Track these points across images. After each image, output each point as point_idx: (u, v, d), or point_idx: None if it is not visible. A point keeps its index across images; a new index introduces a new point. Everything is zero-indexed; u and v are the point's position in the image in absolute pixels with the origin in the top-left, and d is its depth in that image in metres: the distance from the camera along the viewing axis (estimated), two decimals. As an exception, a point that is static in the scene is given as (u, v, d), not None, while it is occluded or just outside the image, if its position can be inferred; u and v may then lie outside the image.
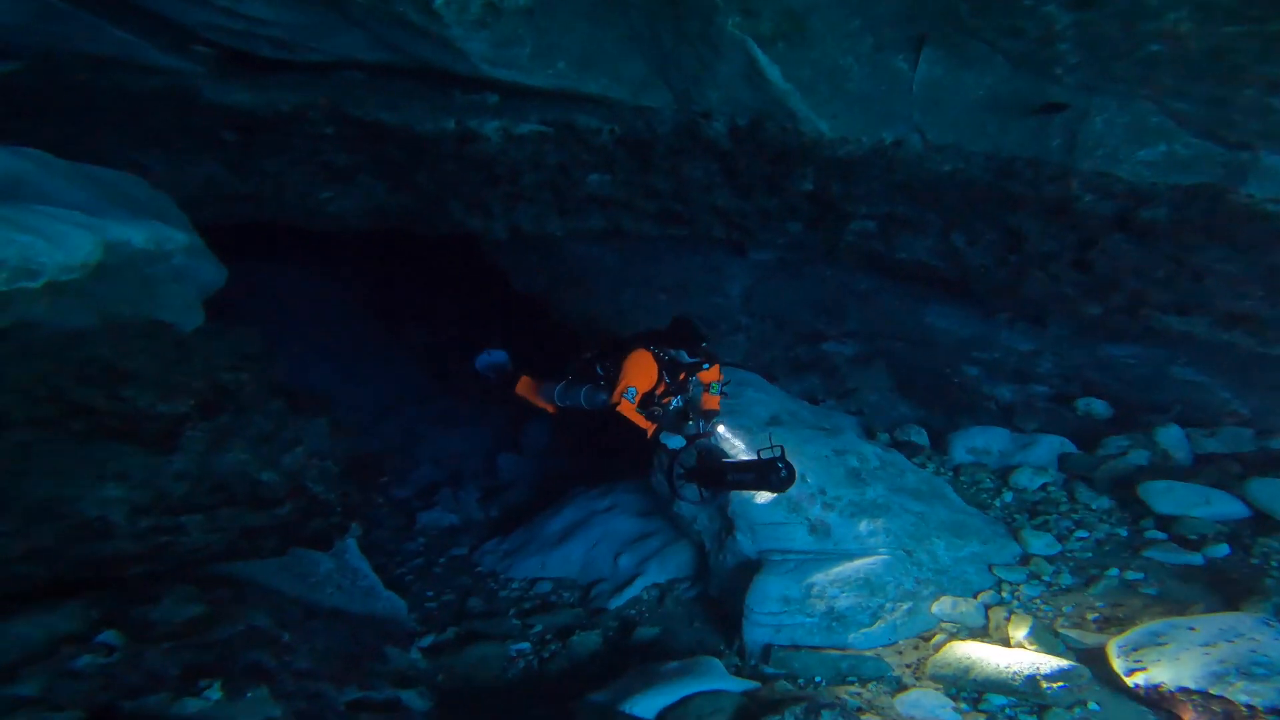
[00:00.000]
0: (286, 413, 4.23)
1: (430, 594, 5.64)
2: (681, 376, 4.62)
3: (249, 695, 2.75)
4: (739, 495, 4.67)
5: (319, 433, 4.42)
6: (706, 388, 4.91)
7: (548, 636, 4.94)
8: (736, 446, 4.85)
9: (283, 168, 4.87)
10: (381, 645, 4.28)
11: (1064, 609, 4.07)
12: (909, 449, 5.75)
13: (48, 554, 2.61)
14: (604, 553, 5.72)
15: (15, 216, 2.30)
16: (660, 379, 4.56)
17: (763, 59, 4.06)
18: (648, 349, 4.57)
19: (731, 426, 4.94)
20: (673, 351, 4.57)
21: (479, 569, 6.08)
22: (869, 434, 5.98)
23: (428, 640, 4.88)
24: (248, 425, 3.82)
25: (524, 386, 5.40)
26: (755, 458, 4.33)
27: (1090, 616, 3.97)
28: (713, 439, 4.81)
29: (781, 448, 4.15)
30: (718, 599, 4.83)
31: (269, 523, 3.72)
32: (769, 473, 4.11)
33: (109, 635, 2.65)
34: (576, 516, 6.16)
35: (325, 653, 3.62)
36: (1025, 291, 5.08)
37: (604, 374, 4.77)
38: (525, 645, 4.83)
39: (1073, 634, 3.83)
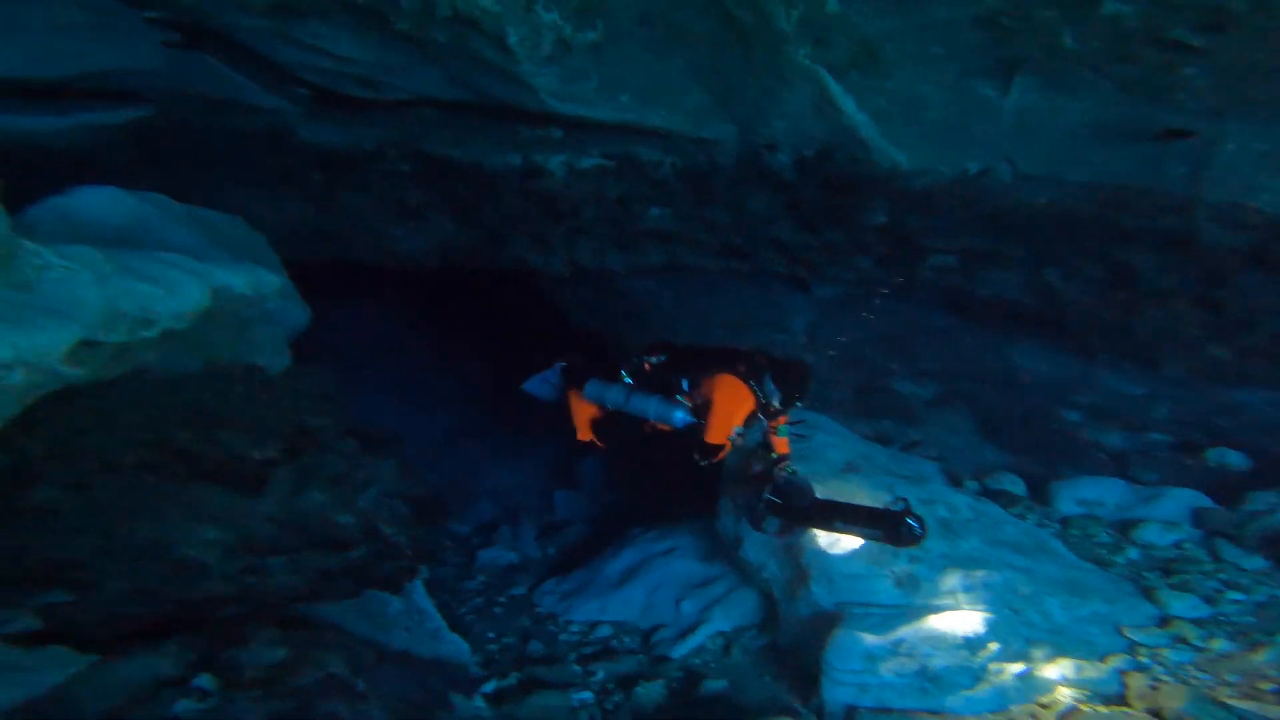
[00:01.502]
0: (358, 453, 4.38)
1: (491, 635, 5.67)
2: (764, 419, 4.44)
3: None
4: (813, 544, 4.54)
5: (389, 473, 4.56)
6: (774, 429, 4.67)
7: (610, 686, 4.89)
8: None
9: (361, 206, 5.10)
10: (447, 692, 4.35)
11: (1227, 678, 3.77)
12: (1003, 499, 5.51)
13: (151, 594, 2.75)
14: (665, 597, 5.66)
15: (138, 265, 2.46)
16: (748, 418, 4.35)
17: (835, 89, 4.03)
18: (741, 378, 4.30)
19: (805, 473, 4.77)
20: (769, 389, 4.33)
21: (538, 610, 6.09)
22: (954, 481, 5.76)
23: (490, 686, 4.89)
24: (325, 466, 3.96)
25: (570, 399, 5.07)
26: (870, 506, 4.17)
27: (1266, 687, 3.65)
28: (795, 478, 4.62)
29: (906, 500, 3.99)
30: (789, 650, 4.69)
31: (344, 565, 3.83)
32: (898, 526, 3.92)
33: (204, 680, 2.76)
34: (636, 559, 6.12)
35: (395, 700, 3.70)
36: (1136, 331, 4.86)
37: (690, 388, 4.43)
38: (588, 695, 4.79)
39: (1246, 706, 3.52)
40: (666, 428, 4.41)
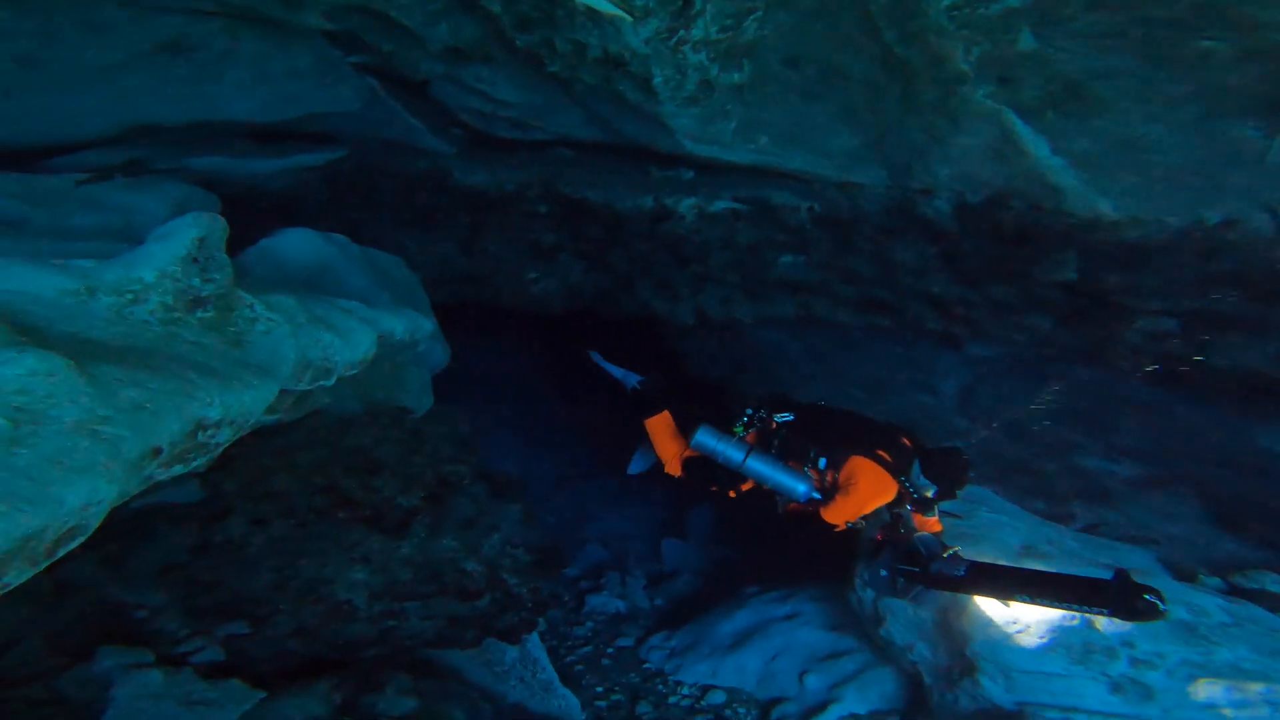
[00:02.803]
0: (486, 497, 4.51)
1: (600, 690, 5.63)
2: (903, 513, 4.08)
3: None
4: (985, 630, 4.19)
5: (513, 520, 4.67)
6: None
7: (726, 762, 4.73)
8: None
9: (501, 247, 5.34)
10: None
11: None
12: (1264, 600, 4.78)
13: (310, 633, 2.91)
14: (786, 667, 5.45)
15: (324, 314, 2.62)
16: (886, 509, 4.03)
17: (1023, 131, 3.79)
18: (885, 466, 3.97)
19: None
20: (920, 481, 3.98)
21: (646, 665, 6.02)
22: (1182, 576, 5.10)
23: (600, 750, 4.85)
24: (457, 511, 4.10)
25: (660, 422, 4.81)
26: (1074, 574, 3.59)
27: None
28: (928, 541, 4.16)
29: (1123, 570, 3.35)
30: (944, 747, 4.38)
31: (471, 614, 3.93)
32: (1132, 597, 3.21)
33: None
34: (752, 621, 5.95)
35: None
36: None
37: (827, 466, 4.14)
38: (702, 770, 4.65)
39: None
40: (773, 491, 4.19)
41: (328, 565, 3.01)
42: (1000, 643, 4.17)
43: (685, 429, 4.61)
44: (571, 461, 8.40)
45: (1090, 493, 5.51)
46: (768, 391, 4.96)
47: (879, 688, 4.94)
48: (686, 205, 5.33)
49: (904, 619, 4.68)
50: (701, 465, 4.51)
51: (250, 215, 3.54)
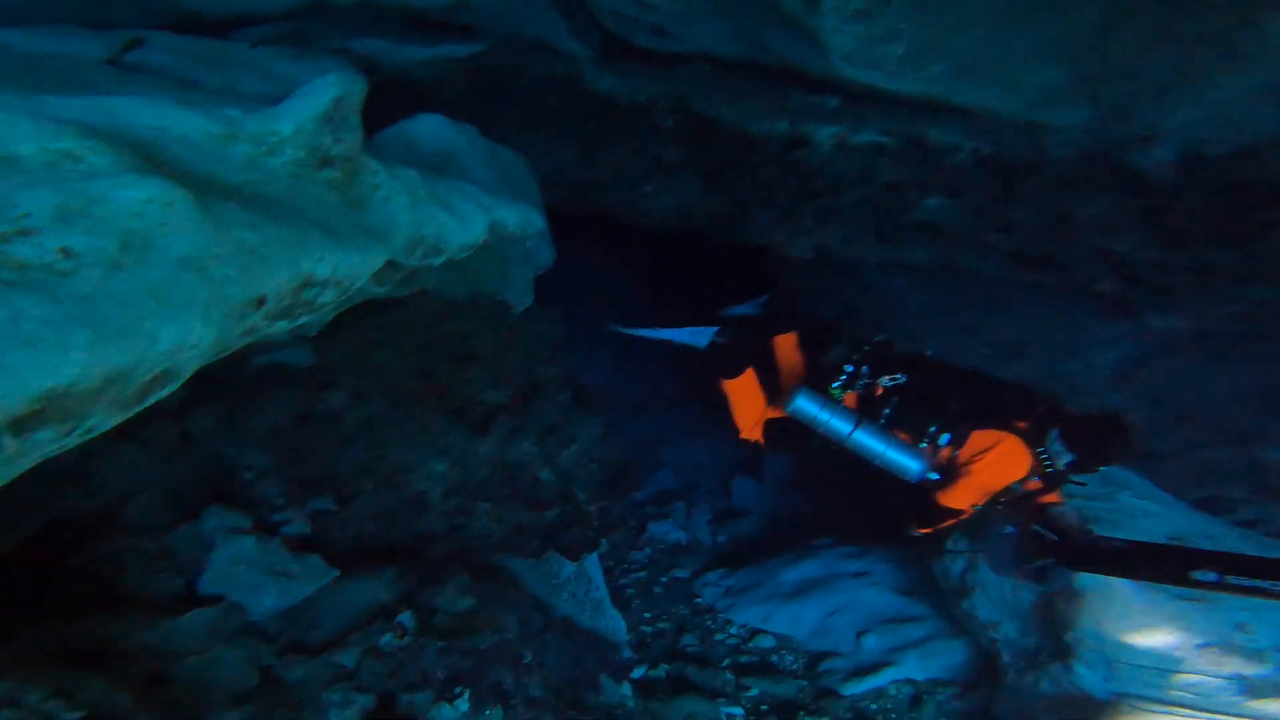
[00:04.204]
0: (570, 406, 4.39)
1: (648, 616, 5.62)
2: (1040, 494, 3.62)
3: (487, 713, 2.88)
4: (1098, 618, 3.76)
5: (593, 433, 4.55)
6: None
7: (764, 707, 4.63)
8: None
9: (621, 158, 5.05)
10: (598, 673, 4.36)
11: None
12: None
13: (386, 518, 2.89)
14: (844, 624, 5.24)
15: (443, 192, 2.50)
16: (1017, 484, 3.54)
17: None
18: (1022, 438, 3.48)
19: None
20: (1055, 448, 3.44)
21: (698, 600, 5.95)
22: None
23: (639, 672, 4.83)
24: (540, 414, 4.00)
25: (743, 385, 4.38)
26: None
27: None
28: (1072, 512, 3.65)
29: None
30: (1008, 723, 4.05)
31: (537, 524, 3.88)
32: None
33: (406, 617, 2.86)
34: (818, 573, 5.75)
35: (553, 671, 3.74)
36: None
37: (949, 442, 3.65)
38: (738, 711, 4.57)
39: None
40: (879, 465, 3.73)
41: (412, 452, 2.95)
42: (1112, 632, 3.73)
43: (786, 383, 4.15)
44: (656, 384, 8.26)
45: (1263, 487, 4.82)
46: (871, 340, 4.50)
47: (944, 658, 4.65)
48: (825, 135, 4.82)
49: (995, 595, 4.27)
50: (790, 432, 4.12)
51: (395, 103, 3.49)
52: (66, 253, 1.08)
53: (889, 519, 5.56)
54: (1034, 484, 3.57)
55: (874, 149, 4.76)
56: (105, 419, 1.14)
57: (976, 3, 3.53)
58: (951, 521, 3.69)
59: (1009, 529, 3.64)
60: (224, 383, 2.96)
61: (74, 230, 1.11)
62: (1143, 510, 4.25)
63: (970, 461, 3.54)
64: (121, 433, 2.97)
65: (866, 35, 3.83)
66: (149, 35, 3.00)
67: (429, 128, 3.45)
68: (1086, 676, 3.78)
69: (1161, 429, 4.70)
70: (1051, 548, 3.50)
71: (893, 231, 5.06)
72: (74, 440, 1.12)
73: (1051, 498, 3.73)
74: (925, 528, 3.87)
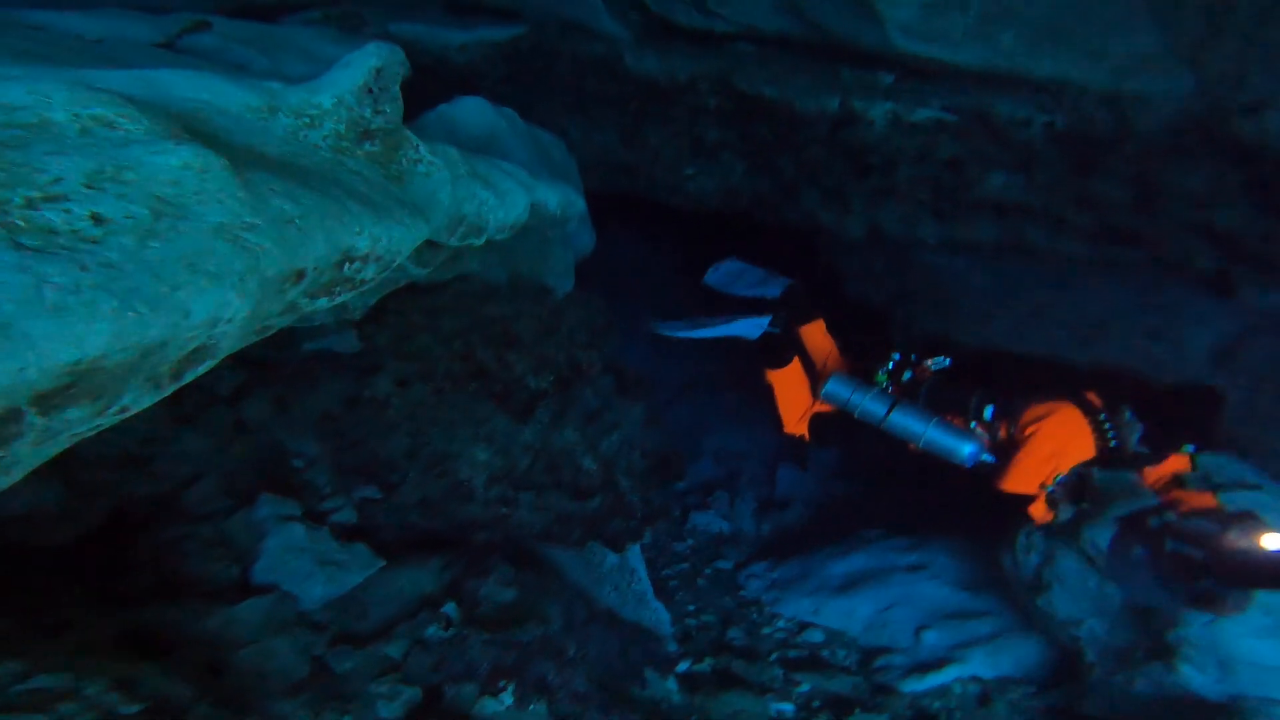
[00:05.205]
0: (613, 392, 4.29)
1: (692, 608, 5.50)
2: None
3: (531, 708, 2.81)
4: (1205, 617, 3.49)
5: (635, 420, 4.45)
6: (1174, 479, 3.42)
7: (816, 703, 4.46)
8: None
9: (662, 140, 4.93)
10: (643, 666, 4.27)
11: None
12: None
13: (431, 507, 2.85)
14: (901, 618, 5.03)
15: (484, 171, 2.43)
16: (1084, 464, 3.31)
17: None
18: (1079, 407, 3.27)
19: None
20: (1126, 418, 3.19)
21: (743, 593, 5.81)
22: None
23: (684, 666, 4.72)
24: (582, 401, 3.91)
25: (789, 375, 4.17)
26: None
27: None
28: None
29: None
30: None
31: (580, 513, 3.80)
32: None
33: (450, 607, 2.81)
34: (870, 565, 5.55)
35: (597, 664, 3.65)
36: None
37: (994, 418, 3.45)
38: (788, 708, 4.41)
39: None
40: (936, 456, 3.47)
41: (455, 439, 2.90)
42: (1226, 633, 3.46)
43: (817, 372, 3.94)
44: (699, 369, 8.11)
45: None
46: (925, 331, 4.26)
47: (1015, 655, 4.40)
48: (879, 111, 4.60)
49: (1077, 591, 4.01)
50: (833, 425, 3.96)
51: (436, 86, 3.48)
52: (97, 219, 1.01)
53: (947, 509, 5.36)
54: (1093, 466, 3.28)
55: (935, 125, 4.52)
56: (139, 397, 1.08)
57: (1056, -36, 3.30)
58: (1033, 509, 3.41)
59: (1139, 550, 3.33)
60: (275, 369, 2.96)
61: (106, 196, 1.04)
62: (1257, 504, 3.79)
63: (1021, 434, 3.28)
64: (179, 418, 3.02)
65: (928, 3, 3.64)
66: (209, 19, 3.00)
67: (470, 110, 3.39)
68: (1194, 677, 3.53)
69: (1267, 415, 4.31)
70: (1203, 566, 3.12)
71: (953, 210, 4.81)
72: (108, 420, 1.06)
73: (1195, 498, 3.35)
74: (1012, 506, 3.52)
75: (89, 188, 1.04)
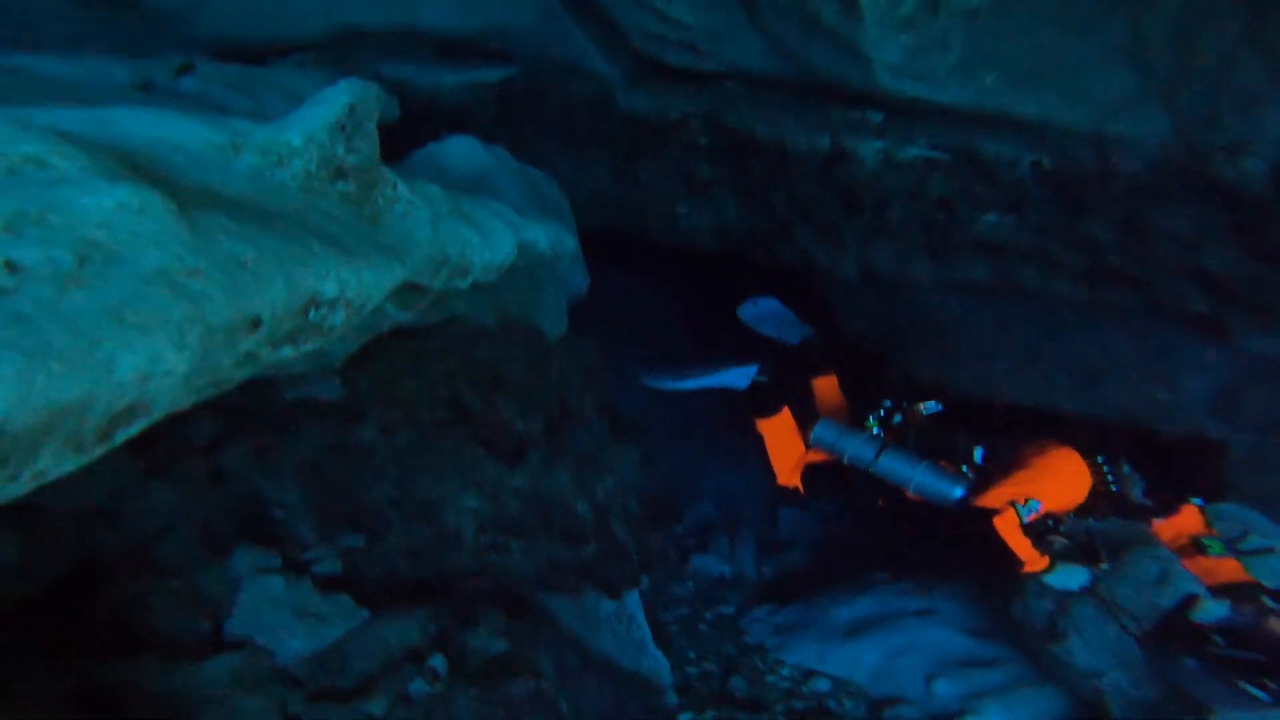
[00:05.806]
0: (606, 436, 4.17)
1: (693, 655, 5.28)
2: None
3: None
4: None
5: (630, 464, 4.32)
6: (1193, 542, 3.26)
7: (825, 758, 4.25)
8: None
9: (654, 178, 4.89)
10: None
11: None
12: None
13: (416, 556, 2.72)
14: (910, 667, 4.81)
15: (468, 209, 2.34)
16: (1084, 507, 3.25)
17: None
18: (1083, 453, 3.23)
19: None
20: (1125, 472, 3.16)
21: (745, 638, 5.60)
22: None
23: (686, 718, 4.51)
24: (574, 444, 3.79)
25: (778, 424, 4.18)
26: None
27: None
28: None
29: None
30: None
31: (574, 560, 3.64)
32: None
33: (438, 660, 2.64)
34: (875, 611, 5.34)
35: (592, 717, 3.49)
36: None
37: (984, 460, 3.43)
38: (796, 764, 4.20)
39: None
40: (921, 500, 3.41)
41: (443, 485, 2.76)
42: None
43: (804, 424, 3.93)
44: (697, 410, 8.00)
45: None
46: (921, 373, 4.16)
47: (1033, 706, 4.18)
48: (869, 150, 4.58)
49: (1095, 639, 3.86)
50: (826, 474, 3.93)
51: (426, 127, 3.49)
52: (11, 267, 0.90)
53: (947, 554, 5.19)
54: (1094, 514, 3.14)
55: (924, 164, 4.49)
56: (58, 462, 0.95)
57: (1034, 9, 3.29)
58: (1029, 567, 3.24)
59: (1190, 663, 3.03)
60: (254, 418, 2.85)
61: (23, 241, 0.94)
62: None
63: (1013, 468, 3.20)
64: (150, 469, 2.90)
65: (913, 45, 3.62)
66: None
67: (459, 150, 3.35)
68: (1228, 734, 3.25)
69: (1272, 463, 4.18)
70: (1266, 668, 2.90)
71: (946, 250, 4.74)
72: (21, 488, 0.93)
73: (1227, 570, 3.13)
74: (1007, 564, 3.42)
75: (5, 231, 0.93)
